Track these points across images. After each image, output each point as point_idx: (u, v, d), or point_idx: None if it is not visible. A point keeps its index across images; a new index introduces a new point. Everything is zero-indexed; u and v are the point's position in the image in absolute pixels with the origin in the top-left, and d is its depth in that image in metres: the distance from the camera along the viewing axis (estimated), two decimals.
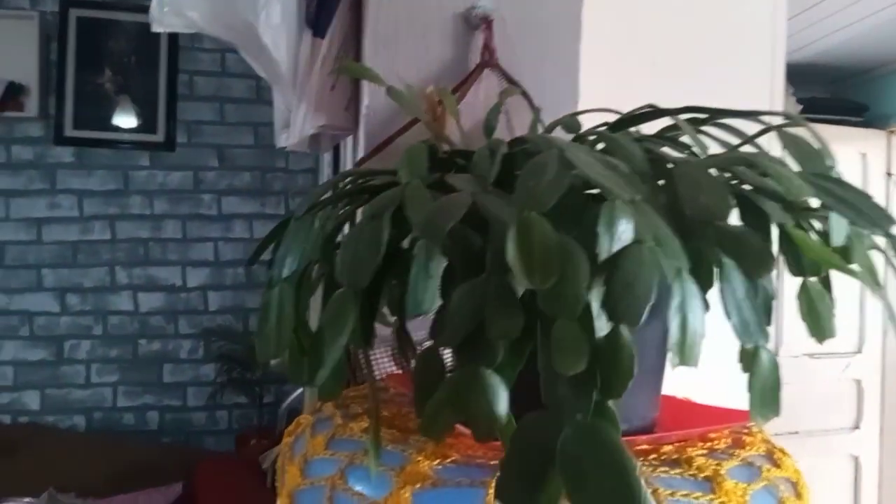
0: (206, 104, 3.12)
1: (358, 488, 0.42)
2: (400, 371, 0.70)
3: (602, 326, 0.31)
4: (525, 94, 0.76)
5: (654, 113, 0.49)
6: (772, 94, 1.02)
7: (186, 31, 0.87)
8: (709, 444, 0.49)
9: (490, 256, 0.34)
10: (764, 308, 0.35)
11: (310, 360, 0.36)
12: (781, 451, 0.48)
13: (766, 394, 0.35)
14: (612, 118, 0.57)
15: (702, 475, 0.43)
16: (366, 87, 0.79)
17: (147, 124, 3.09)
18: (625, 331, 0.31)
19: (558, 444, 0.30)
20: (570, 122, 0.57)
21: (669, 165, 0.39)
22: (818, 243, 0.38)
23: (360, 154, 0.80)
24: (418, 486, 0.40)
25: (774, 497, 0.43)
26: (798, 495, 0.44)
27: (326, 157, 2.05)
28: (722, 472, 0.43)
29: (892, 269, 0.36)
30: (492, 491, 0.39)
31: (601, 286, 0.32)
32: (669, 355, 0.31)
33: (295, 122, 0.84)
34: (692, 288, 0.32)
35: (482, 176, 0.38)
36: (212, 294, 3.08)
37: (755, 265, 0.33)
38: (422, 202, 0.36)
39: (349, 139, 0.90)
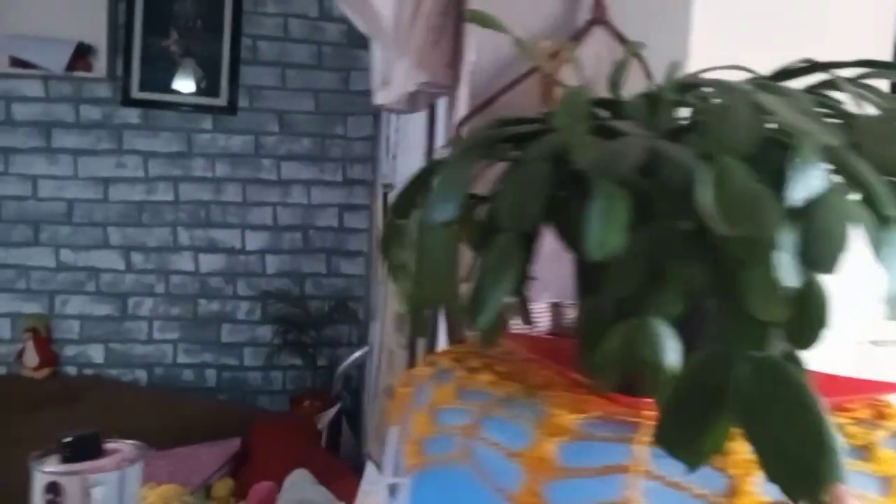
0: (268, 69, 3.13)
1: (495, 438, 0.41)
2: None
3: (792, 274, 0.30)
4: (639, 56, 0.74)
5: (811, 67, 0.46)
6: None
7: None
8: (850, 413, 0.47)
9: (668, 202, 0.32)
10: None
11: (471, 305, 0.35)
12: None
13: None
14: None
15: (854, 443, 0.41)
16: (471, 43, 0.78)
17: (210, 88, 3.13)
18: (820, 279, 0.30)
19: (735, 383, 0.29)
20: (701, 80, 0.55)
21: (847, 118, 0.36)
22: None
23: (460, 112, 0.79)
24: (562, 438, 0.39)
25: None
26: None
27: (391, 123, 2.04)
28: (874, 440, 0.41)
29: None
30: (636, 446, 0.38)
31: (794, 233, 0.30)
32: (882, 308, 0.30)
33: (395, 79, 0.83)
34: None
35: (648, 122, 0.37)
36: (269, 257, 3.13)
37: None
38: (589, 145, 0.35)
39: (443, 100, 0.89)
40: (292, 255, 3.15)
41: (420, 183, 0.44)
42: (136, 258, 3.03)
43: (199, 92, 3.12)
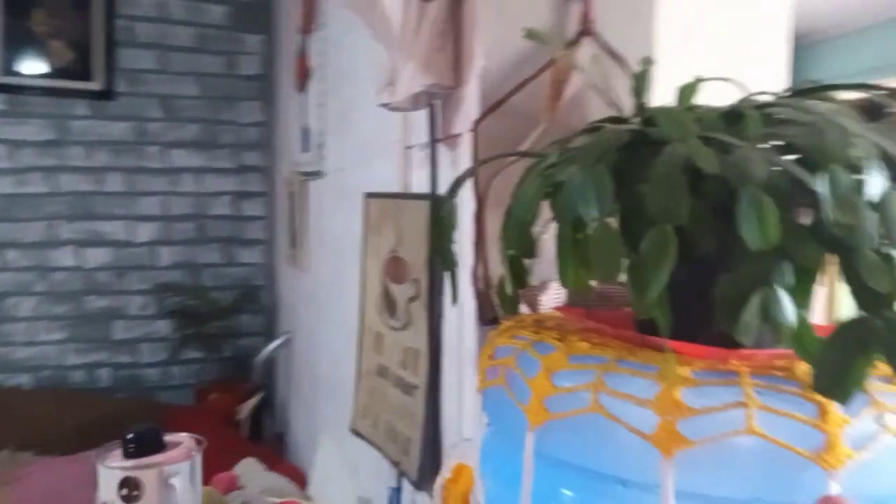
0: (147, 52, 2.99)
1: (624, 390, 0.51)
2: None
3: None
4: (625, 64, 0.85)
5: (817, 88, 0.60)
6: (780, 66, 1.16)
7: None
8: None
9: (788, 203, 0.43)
10: None
11: (637, 284, 0.44)
12: None
13: None
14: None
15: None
16: (479, 48, 0.85)
17: (83, 71, 2.93)
18: None
19: (877, 335, 0.41)
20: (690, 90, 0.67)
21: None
22: None
23: (470, 111, 0.87)
24: (685, 385, 0.49)
25: None
26: None
27: (308, 110, 2.05)
28: None
29: None
30: (744, 387, 0.49)
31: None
32: None
33: (401, 81, 0.89)
34: None
35: (737, 136, 0.48)
36: (162, 249, 3.01)
37: None
38: (711, 156, 0.45)
39: (440, 99, 0.96)
40: (186, 245, 3.05)
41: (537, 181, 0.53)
42: (11, 255, 2.80)
43: (71, 76, 2.91)
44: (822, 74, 2.94)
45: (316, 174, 1.91)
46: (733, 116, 0.52)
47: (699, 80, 0.65)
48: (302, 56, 2.07)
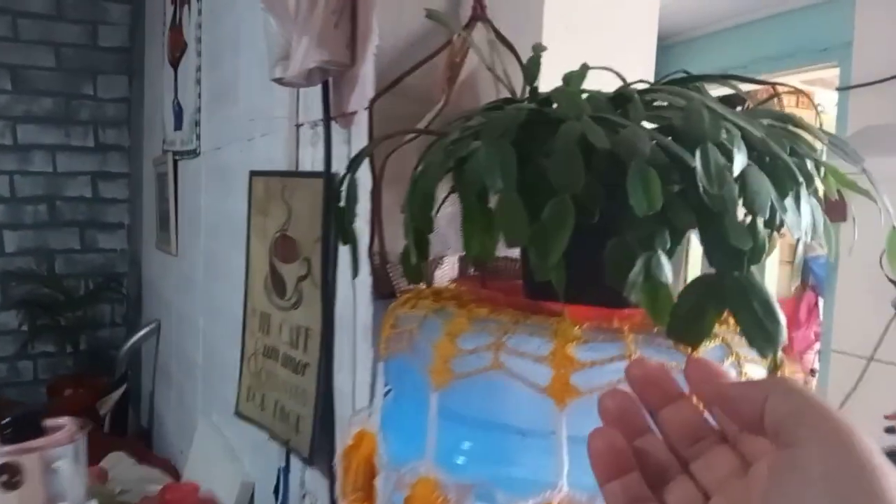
0: None
1: (522, 349, 0.55)
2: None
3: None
4: (514, 50, 0.90)
5: (688, 78, 0.66)
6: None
7: None
8: None
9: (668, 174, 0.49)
10: None
11: (539, 249, 0.48)
12: None
13: None
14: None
15: None
16: (375, 28, 0.87)
17: None
18: (760, 221, 0.49)
19: (728, 289, 0.47)
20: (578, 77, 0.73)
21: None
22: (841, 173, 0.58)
23: (365, 90, 0.88)
24: (575, 342, 0.54)
25: None
26: None
27: (186, 87, 1.96)
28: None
29: (872, 194, 0.58)
30: (627, 342, 0.54)
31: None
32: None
33: (296, 56, 0.88)
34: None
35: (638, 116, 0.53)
36: (8, 233, 2.77)
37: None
38: (602, 133, 0.50)
39: (334, 76, 0.96)
40: (37, 229, 2.82)
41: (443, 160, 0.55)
42: None
43: None
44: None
45: (190, 153, 1.83)
46: (620, 100, 0.57)
47: (585, 68, 0.71)
48: (176, 28, 1.97)
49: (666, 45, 2.90)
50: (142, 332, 2.24)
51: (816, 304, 2.87)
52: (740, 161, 0.50)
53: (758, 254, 0.49)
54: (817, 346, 2.45)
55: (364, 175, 0.91)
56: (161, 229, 2.20)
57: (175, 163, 2.02)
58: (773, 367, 0.54)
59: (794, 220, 0.53)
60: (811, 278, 2.90)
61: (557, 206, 0.48)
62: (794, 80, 2.64)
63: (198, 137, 1.78)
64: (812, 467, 0.25)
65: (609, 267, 0.50)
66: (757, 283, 0.47)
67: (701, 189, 0.48)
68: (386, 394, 0.70)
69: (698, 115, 0.50)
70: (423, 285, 0.82)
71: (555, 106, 0.59)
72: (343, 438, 0.72)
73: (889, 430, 1.68)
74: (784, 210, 0.51)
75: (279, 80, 0.92)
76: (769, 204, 0.50)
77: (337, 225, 0.73)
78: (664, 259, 0.50)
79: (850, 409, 1.99)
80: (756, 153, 0.54)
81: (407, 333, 0.64)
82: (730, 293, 0.47)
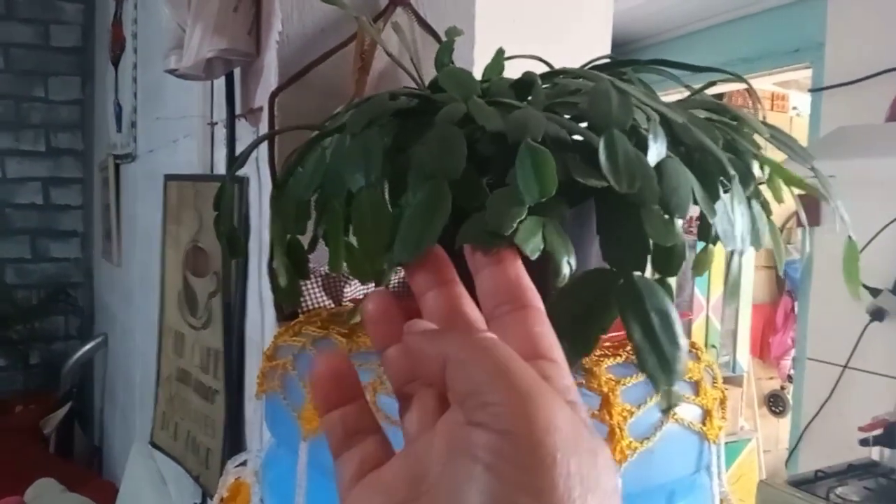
0: None
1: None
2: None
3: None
4: (436, 35, 0.80)
5: (613, 64, 0.57)
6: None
7: None
8: None
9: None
10: None
11: (403, 241, 0.37)
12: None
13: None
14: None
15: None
16: (278, 13, 0.77)
17: None
18: (678, 220, 0.39)
19: (618, 293, 0.37)
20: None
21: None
22: (787, 170, 0.49)
23: (270, 83, 0.78)
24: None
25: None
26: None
27: (124, 87, 1.85)
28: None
29: (823, 193, 0.49)
30: None
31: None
32: None
33: (190, 45, 0.78)
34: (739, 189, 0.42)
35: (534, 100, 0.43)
36: None
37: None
38: (493, 114, 0.41)
39: (240, 67, 0.86)
40: None
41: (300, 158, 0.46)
42: None
43: None
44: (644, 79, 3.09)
45: (128, 157, 1.72)
46: (523, 85, 0.47)
47: (502, 57, 0.61)
48: (117, 23, 1.86)
49: (638, 48, 2.82)
50: (86, 348, 2.12)
51: (793, 308, 2.78)
52: (656, 151, 0.40)
53: (676, 261, 0.39)
54: (793, 352, 2.37)
55: (266, 178, 0.81)
56: (105, 238, 2.08)
57: (117, 167, 1.91)
58: (667, 406, 0.44)
59: (725, 227, 0.43)
60: (787, 283, 2.82)
61: (431, 190, 0.37)
62: (767, 81, 2.57)
63: (135, 140, 1.66)
64: (480, 457, 0.22)
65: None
66: (659, 291, 0.37)
67: (609, 185, 0.38)
68: (270, 438, 0.60)
69: (605, 96, 0.41)
70: (329, 304, 0.72)
71: None
72: (220, 487, 0.62)
73: (863, 443, 1.60)
74: (713, 213, 0.41)
75: (173, 72, 0.82)
76: (689, 202, 0.40)
77: (219, 234, 0.62)
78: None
79: (825, 418, 1.92)
80: (684, 148, 0.45)
81: (280, 368, 0.54)
82: (623, 295, 0.37)
